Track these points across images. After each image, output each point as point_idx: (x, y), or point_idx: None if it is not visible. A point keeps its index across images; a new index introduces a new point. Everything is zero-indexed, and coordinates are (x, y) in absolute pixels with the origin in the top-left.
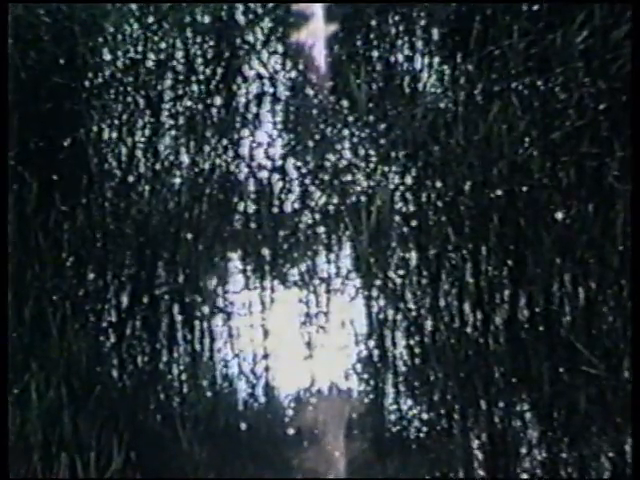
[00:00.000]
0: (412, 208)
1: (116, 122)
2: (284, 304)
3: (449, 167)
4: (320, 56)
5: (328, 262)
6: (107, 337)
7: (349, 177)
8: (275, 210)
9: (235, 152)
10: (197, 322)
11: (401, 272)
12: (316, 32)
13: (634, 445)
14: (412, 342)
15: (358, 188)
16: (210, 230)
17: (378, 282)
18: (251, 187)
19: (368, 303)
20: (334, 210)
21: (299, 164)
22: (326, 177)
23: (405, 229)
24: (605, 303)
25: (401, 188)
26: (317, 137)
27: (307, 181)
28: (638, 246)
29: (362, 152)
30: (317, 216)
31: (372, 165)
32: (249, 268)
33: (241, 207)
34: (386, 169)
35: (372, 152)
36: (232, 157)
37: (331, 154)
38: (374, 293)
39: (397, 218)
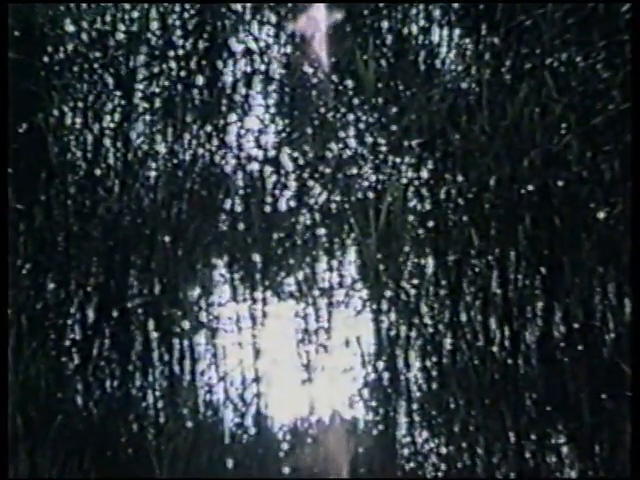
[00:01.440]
0: (428, 206)
1: (80, 105)
2: (278, 319)
3: (472, 158)
4: (320, 27)
5: (330, 270)
6: (70, 358)
7: (354, 170)
8: (267, 209)
9: (221, 140)
10: (176, 340)
11: (415, 281)
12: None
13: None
14: (428, 363)
15: (365, 183)
16: (191, 232)
17: (388, 293)
18: (239, 182)
19: (377, 318)
20: (337, 209)
21: (296, 155)
22: (327, 170)
23: (420, 231)
24: None
25: (415, 183)
26: (317, 123)
27: (305, 175)
28: None
29: (369, 140)
30: (317, 216)
31: (381, 156)
32: (237, 277)
33: (227, 205)
34: (398, 160)
35: (381, 140)
36: (217, 146)
37: (333, 143)
38: (384, 306)
39: (411, 218)
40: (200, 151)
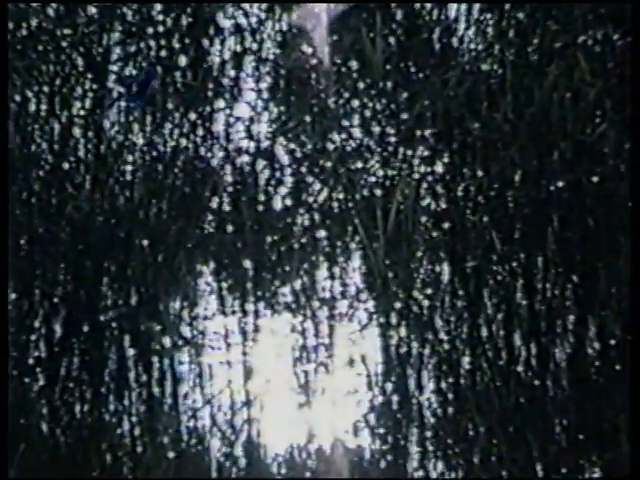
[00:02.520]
0: (444, 205)
1: (46, 89)
2: (272, 334)
3: (493, 150)
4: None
5: (331, 278)
6: (34, 378)
7: (359, 164)
8: (260, 208)
9: (207, 130)
10: (155, 358)
11: (429, 291)
12: None
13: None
14: (444, 385)
15: (371, 178)
16: (173, 235)
17: (398, 305)
18: (228, 177)
19: (385, 333)
20: (339, 208)
21: (292, 146)
22: (328, 164)
23: (434, 233)
24: None
25: (429, 178)
26: (316, 110)
27: (303, 169)
28: None
29: (377, 130)
30: (316, 216)
31: (390, 148)
32: (225, 286)
33: (214, 204)
34: (409, 153)
35: (390, 130)
36: (202, 137)
37: (335, 133)
38: (393, 319)
39: (424, 219)
40: (183, 142)
